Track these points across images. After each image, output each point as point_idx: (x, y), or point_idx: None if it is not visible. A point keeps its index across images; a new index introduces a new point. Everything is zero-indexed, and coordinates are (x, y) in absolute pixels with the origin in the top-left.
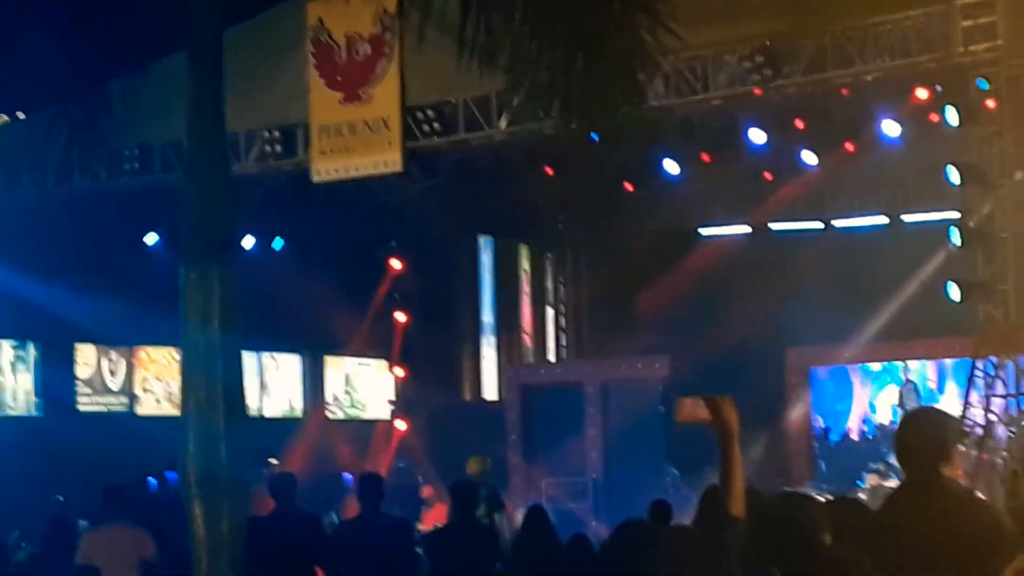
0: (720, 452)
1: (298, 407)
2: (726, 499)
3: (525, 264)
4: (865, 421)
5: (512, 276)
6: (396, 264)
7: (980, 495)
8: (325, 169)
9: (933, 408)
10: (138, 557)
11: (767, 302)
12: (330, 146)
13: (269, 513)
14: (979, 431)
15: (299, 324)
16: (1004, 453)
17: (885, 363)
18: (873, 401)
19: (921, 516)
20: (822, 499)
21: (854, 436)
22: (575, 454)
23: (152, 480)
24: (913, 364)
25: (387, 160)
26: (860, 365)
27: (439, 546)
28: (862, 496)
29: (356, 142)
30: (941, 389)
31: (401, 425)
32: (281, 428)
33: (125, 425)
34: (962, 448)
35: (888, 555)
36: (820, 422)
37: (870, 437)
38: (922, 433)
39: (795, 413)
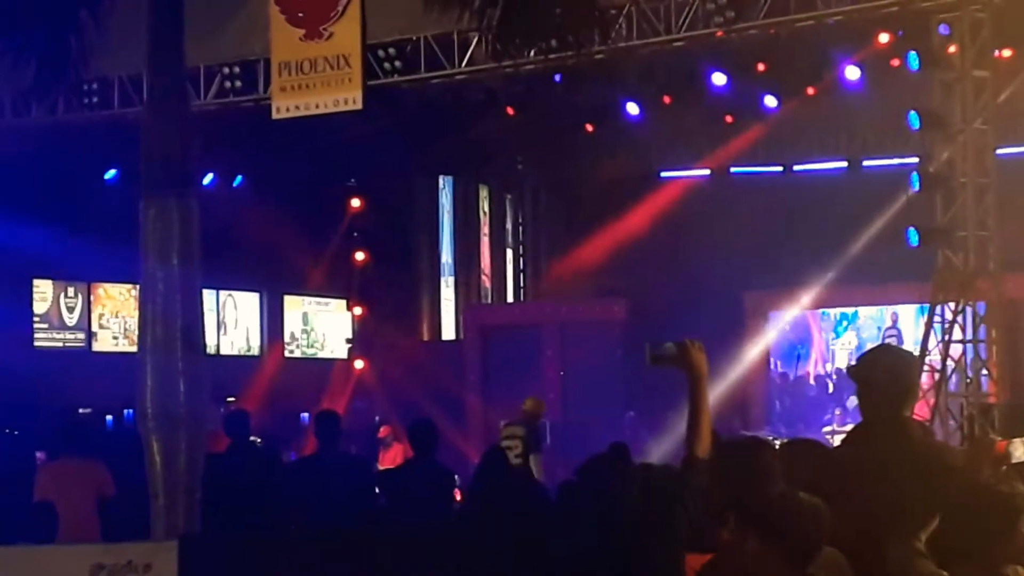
0: (689, 395)
1: (256, 345)
2: (693, 442)
3: (485, 205)
4: (823, 366)
5: (472, 217)
6: (355, 203)
7: (936, 440)
8: (285, 106)
9: (893, 348)
10: (96, 492)
11: (726, 245)
12: (290, 83)
13: (225, 450)
14: (936, 376)
15: (258, 262)
16: (961, 399)
17: (844, 309)
18: (831, 346)
19: (879, 456)
20: (777, 442)
21: (811, 381)
22: (531, 395)
23: (108, 417)
24: (870, 310)
25: (347, 98)
26: (819, 310)
27: (395, 485)
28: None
29: (316, 79)
30: (899, 335)
31: (359, 364)
32: (239, 366)
33: (82, 361)
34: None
35: (845, 494)
36: (778, 366)
37: (828, 381)
38: (882, 373)
39: (753, 357)
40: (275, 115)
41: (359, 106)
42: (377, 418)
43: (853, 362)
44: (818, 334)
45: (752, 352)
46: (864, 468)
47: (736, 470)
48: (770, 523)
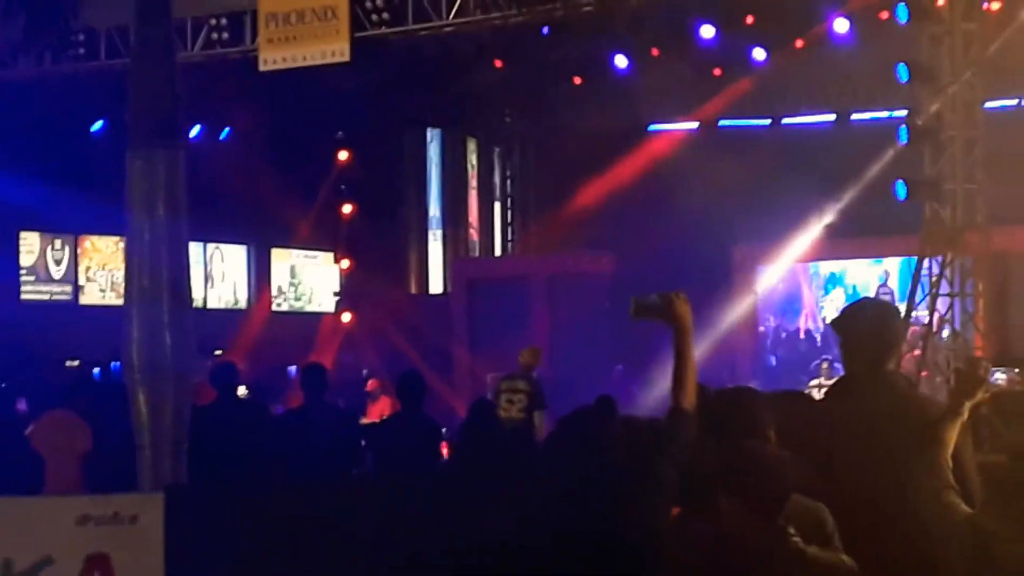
0: (674, 348)
1: (243, 298)
2: (678, 393)
3: (473, 158)
4: (812, 321)
5: (459, 169)
6: (343, 155)
7: (920, 393)
8: (272, 58)
9: (877, 301)
10: (81, 449)
11: (715, 199)
12: (277, 35)
13: (211, 402)
14: (923, 329)
15: (245, 215)
16: (948, 352)
17: (833, 268)
18: (820, 302)
19: (864, 408)
20: (762, 393)
21: (801, 336)
22: (520, 349)
23: (95, 370)
24: (859, 270)
25: (335, 49)
26: (808, 265)
27: (382, 438)
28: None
29: (304, 31)
30: (891, 293)
31: (346, 318)
32: (226, 319)
33: (69, 314)
34: (907, 347)
35: (831, 445)
36: (768, 321)
37: (817, 336)
38: (866, 326)
39: (742, 311)
40: (262, 67)
41: (346, 58)
42: (365, 371)
43: (836, 315)
44: (807, 289)
45: (741, 306)
46: (849, 420)
47: (724, 420)
48: (734, 476)
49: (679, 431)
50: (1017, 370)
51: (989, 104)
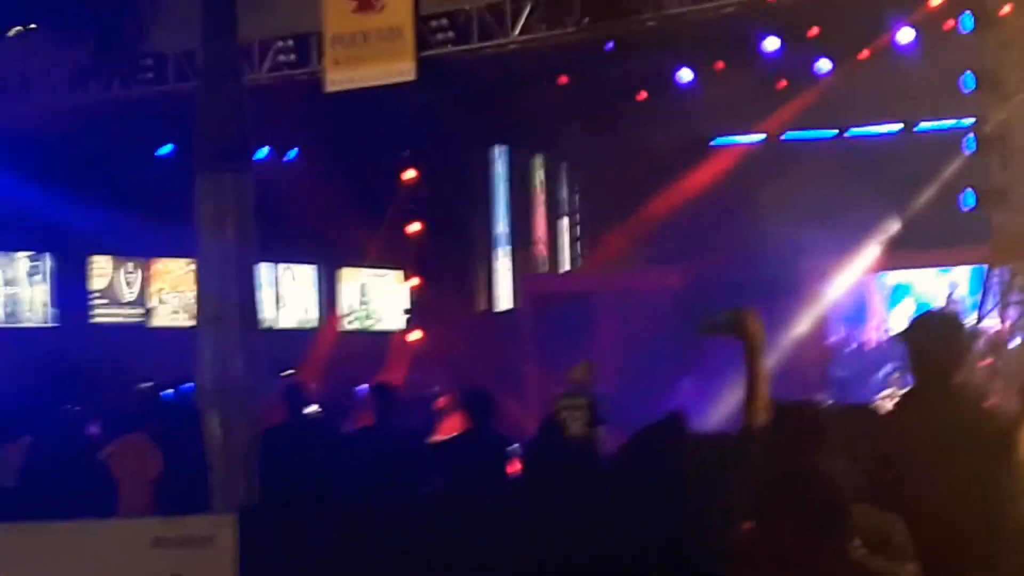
0: (746, 365)
1: (313, 318)
2: (750, 411)
3: (539, 174)
4: (881, 332)
5: (526, 186)
6: (410, 174)
7: (991, 402)
8: (339, 79)
9: (944, 312)
10: (153, 473)
11: (780, 212)
12: (343, 55)
13: (282, 422)
14: (994, 339)
15: (313, 235)
16: (1020, 360)
17: (900, 280)
18: (889, 313)
19: (929, 420)
20: (829, 407)
21: (870, 348)
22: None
23: (167, 392)
24: (926, 281)
25: (400, 69)
26: (877, 276)
27: (451, 455)
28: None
29: (369, 51)
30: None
31: (416, 335)
32: (296, 339)
33: (140, 336)
34: (977, 356)
35: (895, 458)
36: (837, 334)
37: (886, 349)
38: (933, 337)
39: (809, 324)
40: (328, 88)
41: (412, 77)
42: (435, 388)
43: (903, 327)
44: (875, 300)
45: (809, 319)
46: (916, 434)
47: (785, 435)
48: (792, 490)
49: (749, 447)
50: None
51: None
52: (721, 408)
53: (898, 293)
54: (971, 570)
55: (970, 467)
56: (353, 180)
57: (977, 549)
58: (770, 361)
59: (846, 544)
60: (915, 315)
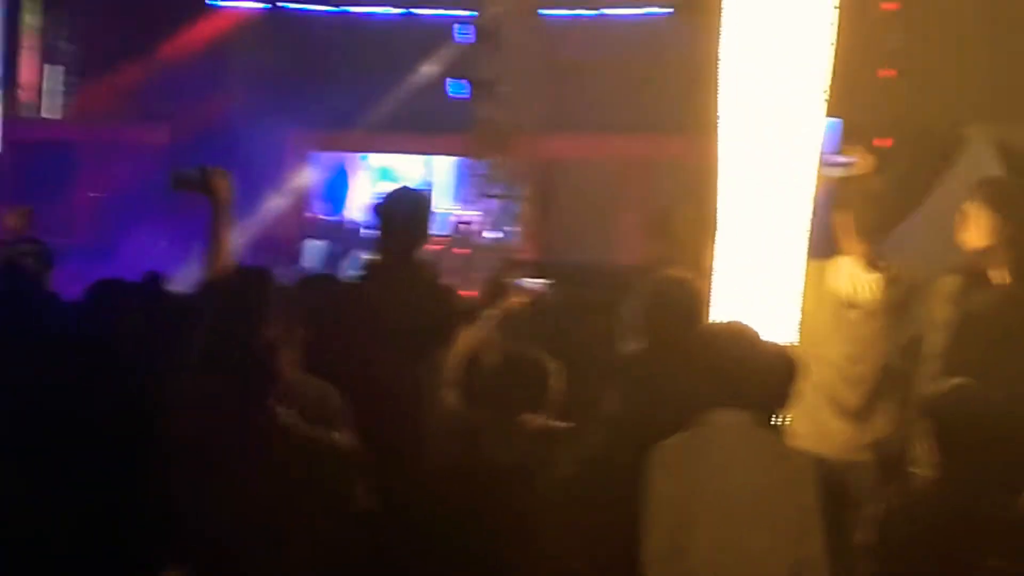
0: (210, 222)
1: None
2: (210, 265)
3: (31, 17)
4: (359, 212)
5: (15, 27)
6: None
7: (447, 282)
8: None
9: (415, 191)
10: None
11: (273, 81)
12: None
13: None
14: (472, 228)
15: None
16: (492, 253)
17: (385, 164)
18: (371, 194)
19: (387, 291)
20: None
21: (348, 225)
22: (66, 215)
23: None
24: (408, 167)
25: None
26: (361, 156)
27: None
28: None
29: None
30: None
31: None
32: None
33: None
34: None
35: (355, 325)
36: (317, 207)
37: (364, 227)
38: (400, 212)
39: (290, 195)
40: None
41: None
42: None
43: (377, 200)
44: (359, 179)
45: (290, 191)
46: (371, 302)
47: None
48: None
49: (203, 303)
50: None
51: (549, 11)
52: (195, 267)
53: (381, 175)
54: (394, 442)
55: (410, 344)
56: None
57: (401, 422)
58: (251, 232)
59: (273, 409)
60: (389, 192)
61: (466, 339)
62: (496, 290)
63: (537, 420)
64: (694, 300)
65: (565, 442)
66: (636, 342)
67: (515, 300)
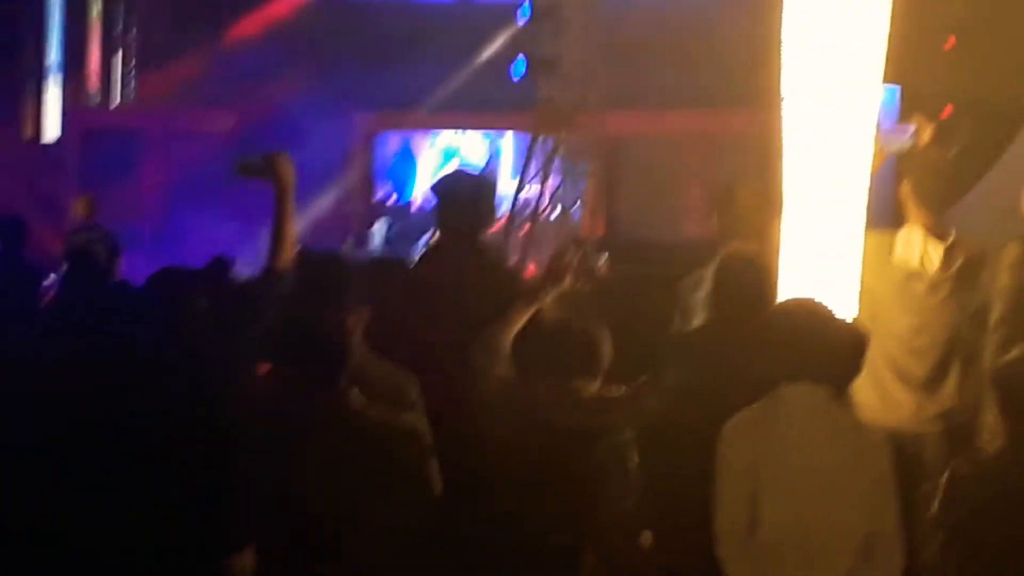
0: (274, 207)
1: None
2: (274, 253)
3: (94, 5)
4: (428, 195)
5: (82, 16)
6: None
7: (509, 263)
8: None
9: (475, 174)
10: None
11: (337, 67)
12: None
13: None
14: (533, 207)
15: None
16: (555, 231)
17: (450, 140)
18: (434, 176)
19: (450, 275)
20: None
21: (416, 206)
22: (132, 201)
23: None
24: (473, 146)
25: None
26: (426, 137)
27: None
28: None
29: None
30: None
31: None
32: None
33: None
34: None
35: (420, 309)
36: (384, 189)
37: (431, 209)
38: (461, 194)
39: (357, 177)
40: None
41: None
42: None
43: (437, 183)
44: (424, 161)
45: (357, 172)
46: (435, 286)
47: (305, 281)
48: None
49: (269, 290)
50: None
51: None
52: (259, 253)
53: (446, 156)
54: (457, 423)
55: (470, 326)
56: None
57: (460, 400)
58: (318, 214)
59: (344, 393)
60: (448, 173)
61: (521, 315)
62: (560, 268)
63: (591, 386)
64: (762, 276)
65: (621, 408)
66: (701, 317)
67: (579, 277)
